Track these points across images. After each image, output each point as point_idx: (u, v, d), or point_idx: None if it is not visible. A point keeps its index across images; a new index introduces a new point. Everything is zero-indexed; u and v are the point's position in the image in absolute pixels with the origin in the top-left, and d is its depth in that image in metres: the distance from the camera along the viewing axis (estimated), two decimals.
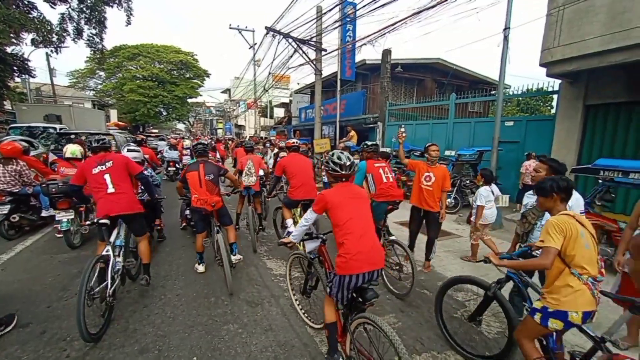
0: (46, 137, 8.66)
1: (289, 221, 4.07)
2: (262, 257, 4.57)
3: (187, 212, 5.13)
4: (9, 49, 15.08)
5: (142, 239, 3.29)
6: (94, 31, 16.38)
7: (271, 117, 31.87)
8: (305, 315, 2.95)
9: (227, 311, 3.11)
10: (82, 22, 15.97)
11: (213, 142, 14.69)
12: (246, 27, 21.07)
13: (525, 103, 34.00)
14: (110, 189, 2.99)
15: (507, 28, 5.90)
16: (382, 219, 3.83)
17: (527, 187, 7.32)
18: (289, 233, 3.14)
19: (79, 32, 16.20)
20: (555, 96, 7.24)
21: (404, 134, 4.26)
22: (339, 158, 2.19)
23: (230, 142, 19.07)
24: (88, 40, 16.48)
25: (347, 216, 2.07)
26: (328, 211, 2.15)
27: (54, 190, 4.28)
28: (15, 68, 15.98)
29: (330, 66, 12.03)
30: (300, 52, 9.96)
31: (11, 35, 13.00)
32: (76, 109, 12.87)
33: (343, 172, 2.17)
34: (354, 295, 2.08)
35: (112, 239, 3.01)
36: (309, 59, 10.09)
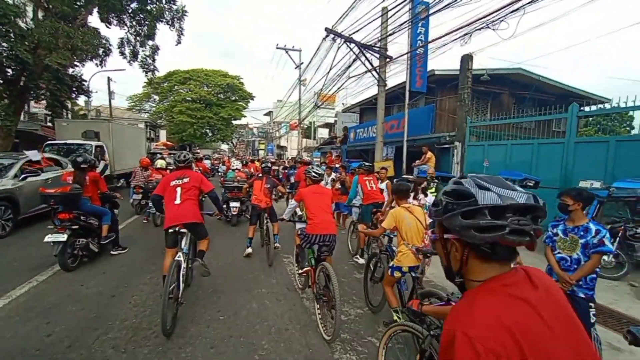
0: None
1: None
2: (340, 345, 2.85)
3: (225, 205, 6.84)
4: (70, 70, 15.65)
5: (204, 240, 3.62)
6: (147, 53, 16.67)
7: (314, 138, 30.80)
8: None
9: None
10: (138, 45, 16.35)
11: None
12: (293, 46, 20.70)
13: (596, 123, 28.88)
14: (177, 200, 3.34)
15: None
16: (370, 220, 5.02)
17: None
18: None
19: (134, 55, 16.57)
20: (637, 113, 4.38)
21: None
22: (315, 171, 3.97)
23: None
24: (141, 61, 16.79)
25: (313, 202, 3.66)
26: (303, 200, 3.76)
27: (150, 187, 6.87)
28: (73, 89, 16.63)
29: (392, 78, 10.34)
30: (363, 59, 8.36)
31: (74, 57, 13.29)
32: (115, 125, 12.25)
33: (317, 178, 3.97)
34: (317, 251, 3.52)
35: (182, 245, 3.33)
36: (372, 66, 8.44)
